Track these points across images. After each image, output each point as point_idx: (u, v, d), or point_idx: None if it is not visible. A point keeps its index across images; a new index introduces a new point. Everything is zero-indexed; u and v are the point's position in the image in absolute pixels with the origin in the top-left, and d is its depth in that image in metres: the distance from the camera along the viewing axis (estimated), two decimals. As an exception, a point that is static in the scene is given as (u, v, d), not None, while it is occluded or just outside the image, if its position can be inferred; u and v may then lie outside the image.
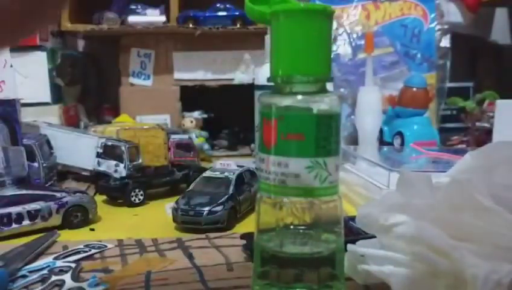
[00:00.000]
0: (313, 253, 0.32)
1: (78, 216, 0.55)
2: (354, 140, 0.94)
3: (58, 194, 0.55)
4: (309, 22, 0.30)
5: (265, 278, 0.32)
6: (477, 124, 0.98)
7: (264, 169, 0.31)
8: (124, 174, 0.69)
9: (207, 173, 0.61)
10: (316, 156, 0.30)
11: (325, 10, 0.30)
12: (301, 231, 0.32)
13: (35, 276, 0.39)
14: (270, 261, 0.32)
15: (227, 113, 1.07)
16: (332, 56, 1.07)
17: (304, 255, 0.32)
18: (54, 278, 0.39)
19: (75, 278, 0.39)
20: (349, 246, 0.36)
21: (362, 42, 1.00)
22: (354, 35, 1.05)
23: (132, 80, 1.04)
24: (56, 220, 0.54)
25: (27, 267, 0.41)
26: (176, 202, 0.55)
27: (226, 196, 0.55)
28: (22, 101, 0.72)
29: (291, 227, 0.32)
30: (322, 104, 0.30)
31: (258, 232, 0.33)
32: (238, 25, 1.00)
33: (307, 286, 0.31)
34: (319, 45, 0.30)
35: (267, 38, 0.64)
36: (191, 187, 0.60)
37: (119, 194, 0.66)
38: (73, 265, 0.42)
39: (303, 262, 0.31)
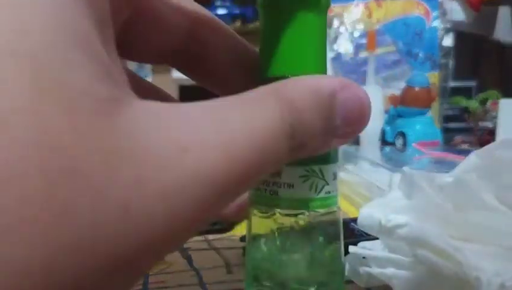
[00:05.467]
0: (309, 269, 0.29)
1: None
2: (355, 140, 0.94)
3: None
4: (301, 16, 0.26)
5: None
6: (480, 123, 0.97)
7: None
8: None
9: (207, 174, 0.60)
10: (311, 163, 0.27)
11: (318, 2, 0.27)
12: (296, 245, 0.29)
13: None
14: (262, 279, 0.30)
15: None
16: (333, 55, 1.07)
17: (299, 272, 0.29)
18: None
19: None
20: (351, 248, 0.35)
21: (364, 41, 1.00)
22: (356, 34, 1.04)
23: (132, 79, 1.04)
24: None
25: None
26: (175, 203, 0.54)
27: (226, 197, 0.55)
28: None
29: (286, 241, 0.29)
30: None
31: (249, 246, 0.30)
32: (238, 24, 0.99)
33: None
34: (314, 42, 0.27)
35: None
36: (190, 188, 0.59)
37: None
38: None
39: (298, 278, 0.29)
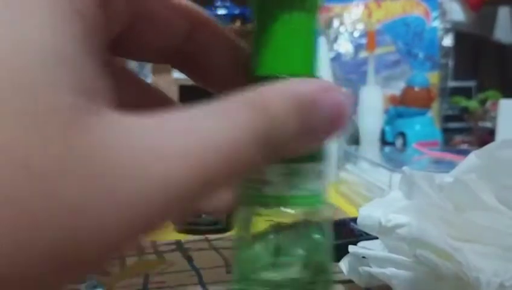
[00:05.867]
0: (293, 278, 0.28)
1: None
2: (355, 140, 0.94)
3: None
4: (287, 15, 0.26)
5: None
6: (480, 123, 0.97)
7: None
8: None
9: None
10: (292, 162, 0.26)
11: (304, 1, 0.26)
12: (280, 244, 0.28)
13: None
14: (247, 277, 0.29)
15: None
16: (333, 55, 1.07)
17: (281, 270, 0.28)
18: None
19: (72, 280, 0.39)
20: (351, 248, 0.35)
21: (364, 41, 1.00)
22: (356, 34, 1.04)
23: (132, 79, 1.04)
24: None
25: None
26: (175, 203, 0.54)
27: (226, 197, 0.55)
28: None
29: (268, 240, 0.28)
30: None
31: (234, 244, 0.29)
32: (238, 24, 0.99)
33: None
34: (301, 41, 0.26)
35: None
36: (190, 188, 0.59)
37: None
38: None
39: (281, 276, 0.28)
